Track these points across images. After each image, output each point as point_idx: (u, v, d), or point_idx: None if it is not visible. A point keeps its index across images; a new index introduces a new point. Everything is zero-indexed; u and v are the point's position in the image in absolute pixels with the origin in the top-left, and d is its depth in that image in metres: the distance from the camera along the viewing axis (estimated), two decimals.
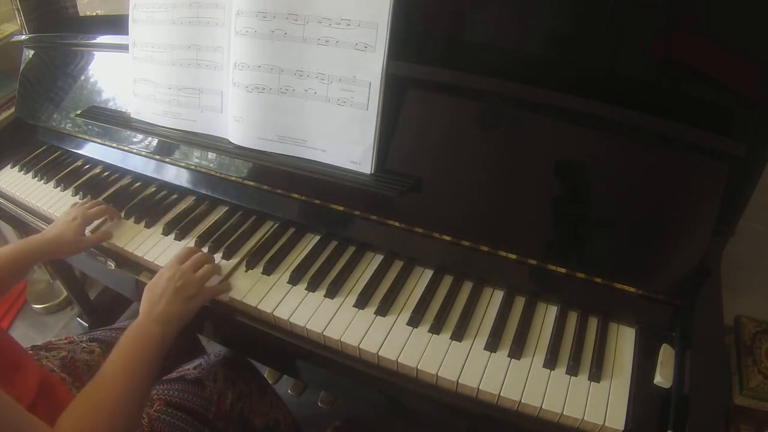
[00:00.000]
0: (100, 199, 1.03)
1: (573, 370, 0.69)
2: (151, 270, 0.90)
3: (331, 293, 0.79)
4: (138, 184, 1.07)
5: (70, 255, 0.93)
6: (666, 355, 0.70)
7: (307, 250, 0.88)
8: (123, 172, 1.10)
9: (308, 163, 0.87)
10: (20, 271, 0.84)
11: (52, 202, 1.06)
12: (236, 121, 0.90)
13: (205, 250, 0.88)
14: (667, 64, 0.75)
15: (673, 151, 0.71)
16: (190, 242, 0.91)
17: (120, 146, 1.05)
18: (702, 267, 0.71)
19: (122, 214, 0.98)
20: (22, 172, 1.16)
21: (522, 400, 0.66)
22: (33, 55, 1.21)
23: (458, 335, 0.73)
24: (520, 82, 0.74)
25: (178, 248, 0.90)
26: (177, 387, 0.84)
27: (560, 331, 0.74)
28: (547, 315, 0.77)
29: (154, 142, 1.01)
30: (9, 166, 1.19)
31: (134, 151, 1.04)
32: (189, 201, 1.01)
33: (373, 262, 0.85)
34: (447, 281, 0.82)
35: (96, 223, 0.96)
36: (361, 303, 0.78)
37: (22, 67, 1.22)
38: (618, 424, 0.64)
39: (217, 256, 0.87)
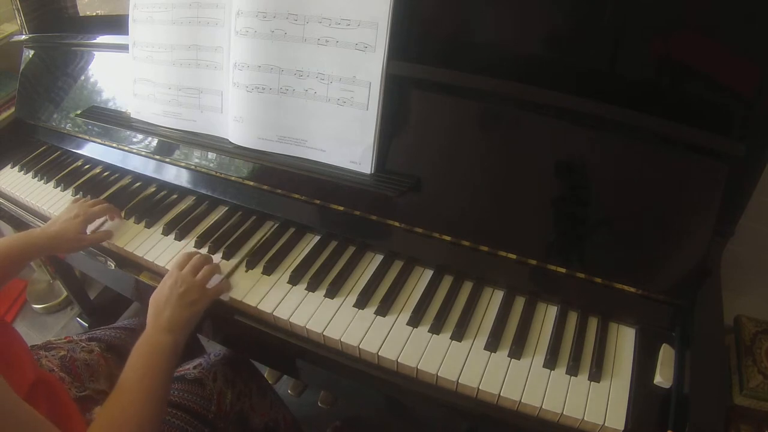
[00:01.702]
0: (101, 198, 1.03)
1: (573, 370, 0.69)
2: (152, 270, 0.90)
3: (331, 293, 0.79)
4: (138, 184, 1.07)
5: (70, 252, 0.93)
6: (666, 355, 0.70)
7: (307, 250, 0.88)
8: (123, 172, 1.10)
9: (308, 163, 0.87)
10: (17, 264, 0.84)
11: (52, 202, 1.06)
12: (236, 121, 0.90)
13: (204, 250, 0.88)
14: (668, 64, 0.75)
15: (673, 151, 0.71)
16: (190, 242, 0.91)
17: (120, 146, 1.05)
18: (702, 267, 0.71)
19: (122, 214, 0.98)
20: (22, 172, 1.16)
21: (522, 400, 0.66)
22: (33, 55, 1.21)
23: (458, 335, 0.73)
24: (520, 82, 0.74)
25: (178, 248, 0.90)
26: (177, 387, 0.84)
27: (560, 331, 0.74)
28: (547, 315, 0.77)
29: (154, 142, 1.01)
30: (9, 166, 1.19)
31: (134, 151, 1.04)
32: (189, 201, 1.01)
33: (373, 262, 0.85)
34: (447, 281, 0.82)
35: (97, 222, 0.96)
36: (361, 303, 0.78)
37: (22, 67, 1.22)
38: (618, 424, 0.64)
39: (217, 256, 0.87)
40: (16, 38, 1.25)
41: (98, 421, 0.61)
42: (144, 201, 1.02)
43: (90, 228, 0.94)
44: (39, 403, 0.68)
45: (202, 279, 0.78)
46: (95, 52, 1.11)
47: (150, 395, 0.65)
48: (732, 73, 0.73)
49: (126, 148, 1.05)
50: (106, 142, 1.08)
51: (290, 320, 0.76)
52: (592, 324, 0.76)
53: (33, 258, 0.88)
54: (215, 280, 0.82)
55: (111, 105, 1.09)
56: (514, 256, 0.77)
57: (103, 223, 0.97)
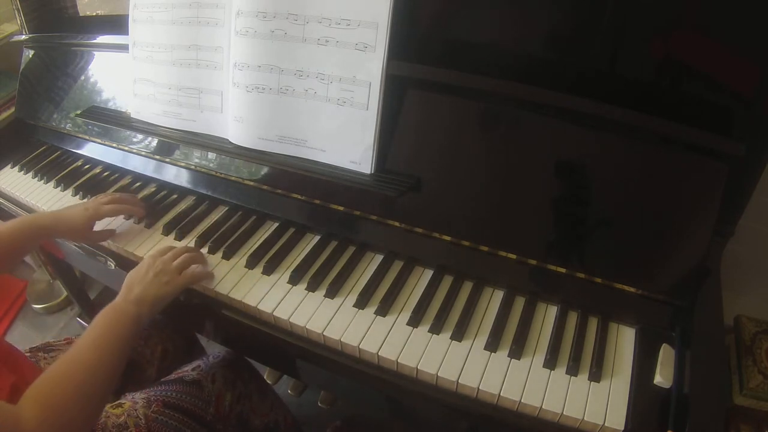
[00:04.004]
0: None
1: (573, 370, 0.69)
2: None
3: (331, 293, 0.79)
4: (138, 184, 1.08)
5: (74, 241, 0.95)
6: (666, 355, 0.70)
7: (307, 250, 0.88)
8: (123, 172, 1.10)
9: (308, 163, 0.87)
10: (26, 243, 0.86)
11: (52, 203, 1.06)
12: (236, 121, 0.90)
13: (204, 250, 0.88)
14: (668, 63, 0.75)
15: (673, 151, 0.71)
16: (190, 242, 0.91)
17: (120, 146, 1.05)
18: (702, 267, 0.71)
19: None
20: (22, 172, 1.16)
21: (522, 400, 0.66)
22: (33, 55, 1.21)
23: (458, 335, 0.73)
24: (520, 82, 0.74)
25: None
26: (175, 388, 0.84)
27: (560, 331, 0.74)
28: (547, 315, 0.77)
29: (154, 142, 1.01)
30: (9, 166, 1.19)
31: (134, 151, 1.04)
32: (189, 201, 1.01)
33: (373, 262, 0.85)
34: (447, 281, 0.82)
35: (118, 219, 0.97)
36: (361, 303, 0.78)
37: (22, 67, 1.22)
38: (618, 424, 0.64)
39: (217, 256, 0.87)
40: (16, 38, 1.24)
41: (40, 380, 0.60)
42: (144, 201, 1.02)
43: (102, 222, 0.94)
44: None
45: (180, 263, 0.80)
46: (95, 52, 1.11)
47: (101, 357, 0.65)
48: (732, 73, 0.73)
49: (126, 148, 1.05)
50: (106, 142, 1.08)
51: (290, 320, 0.76)
52: (592, 324, 0.76)
53: (39, 238, 0.89)
54: (196, 269, 0.83)
55: (111, 105, 1.09)
56: (514, 256, 0.77)
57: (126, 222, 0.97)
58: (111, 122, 1.05)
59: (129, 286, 0.76)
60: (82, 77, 1.13)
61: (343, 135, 0.83)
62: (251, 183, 0.92)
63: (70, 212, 0.90)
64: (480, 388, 0.67)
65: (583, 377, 0.69)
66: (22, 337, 1.72)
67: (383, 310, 0.77)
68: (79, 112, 1.10)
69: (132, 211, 0.95)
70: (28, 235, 0.84)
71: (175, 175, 1.00)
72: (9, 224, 0.83)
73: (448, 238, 0.80)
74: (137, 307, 0.73)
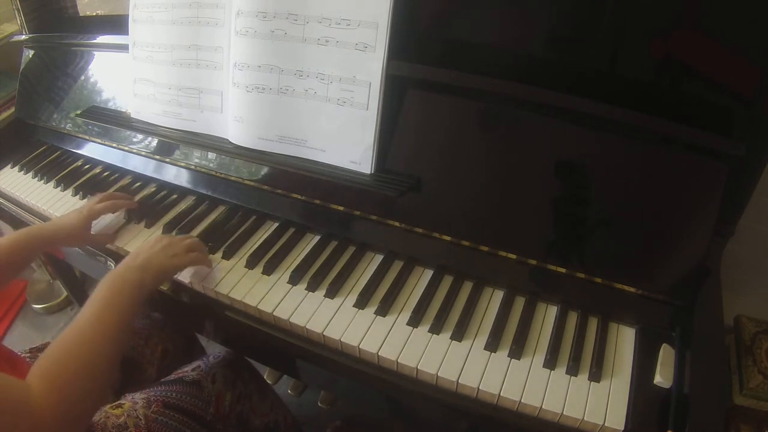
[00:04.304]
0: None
1: (573, 370, 0.69)
2: None
3: (331, 293, 0.79)
4: (138, 184, 1.07)
5: (75, 245, 0.95)
6: (666, 355, 0.70)
7: (307, 250, 0.88)
8: (123, 172, 1.10)
9: (308, 163, 0.87)
10: (29, 254, 0.86)
11: (52, 202, 1.06)
12: (236, 121, 0.90)
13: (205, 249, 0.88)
14: (668, 63, 0.75)
15: (673, 151, 0.71)
16: None
17: (120, 146, 1.05)
18: (702, 267, 0.71)
19: (122, 214, 0.98)
20: (22, 172, 1.16)
21: (522, 400, 0.66)
22: (33, 55, 1.21)
23: (458, 335, 0.73)
24: (520, 82, 0.74)
25: None
26: (175, 389, 0.84)
27: (560, 331, 0.74)
28: (547, 315, 0.77)
29: (154, 142, 1.01)
30: (9, 166, 1.19)
31: (134, 151, 1.04)
32: (189, 201, 1.01)
33: (373, 262, 0.85)
34: (447, 281, 0.82)
35: (110, 218, 0.97)
36: (361, 303, 0.78)
37: (22, 67, 1.22)
38: (618, 424, 0.64)
39: (217, 256, 0.87)
40: (16, 38, 1.25)
41: (50, 348, 0.60)
42: (144, 201, 1.02)
43: (101, 224, 0.94)
44: None
45: (188, 244, 0.80)
46: (95, 52, 1.12)
47: (105, 329, 0.64)
48: (732, 73, 0.73)
49: (126, 148, 1.05)
50: (106, 142, 1.08)
51: (290, 320, 0.76)
52: (592, 324, 0.76)
53: (42, 248, 0.89)
54: (203, 271, 0.83)
55: (111, 105, 1.09)
56: (514, 256, 0.77)
57: (122, 222, 0.97)
58: (111, 122, 1.05)
59: (134, 255, 0.75)
60: (82, 77, 1.13)
61: (343, 135, 0.83)
62: (251, 183, 0.92)
63: (67, 218, 0.90)
64: (480, 388, 0.67)
65: (583, 377, 0.69)
66: (22, 337, 1.72)
67: (383, 310, 0.77)
68: (79, 112, 1.10)
69: (125, 205, 0.96)
70: (30, 247, 0.85)
71: (175, 175, 1.01)
72: (11, 236, 0.84)
73: (448, 238, 0.80)
74: (141, 273, 0.72)
